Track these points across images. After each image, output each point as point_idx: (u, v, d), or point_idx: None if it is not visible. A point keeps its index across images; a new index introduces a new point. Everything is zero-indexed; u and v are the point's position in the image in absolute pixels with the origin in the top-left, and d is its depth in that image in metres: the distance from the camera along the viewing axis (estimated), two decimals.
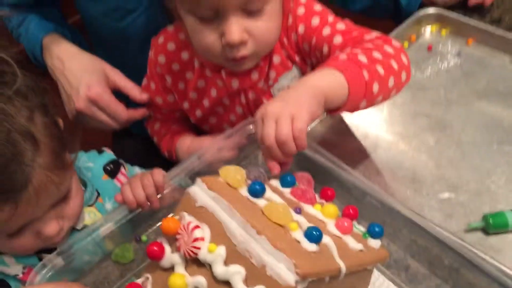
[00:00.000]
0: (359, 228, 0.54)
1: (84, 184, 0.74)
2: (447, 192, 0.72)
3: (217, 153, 0.74)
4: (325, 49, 0.74)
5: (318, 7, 0.77)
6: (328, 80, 0.62)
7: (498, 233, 0.67)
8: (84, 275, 0.70)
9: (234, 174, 0.50)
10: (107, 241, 0.71)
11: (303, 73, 0.80)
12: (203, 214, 0.47)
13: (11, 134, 0.53)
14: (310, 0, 0.77)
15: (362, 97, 0.65)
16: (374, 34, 0.74)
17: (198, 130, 0.94)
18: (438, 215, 0.70)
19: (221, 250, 0.45)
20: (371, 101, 0.68)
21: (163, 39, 0.82)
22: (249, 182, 0.51)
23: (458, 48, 0.93)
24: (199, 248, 0.46)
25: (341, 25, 0.75)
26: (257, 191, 0.49)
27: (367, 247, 0.52)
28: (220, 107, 0.84)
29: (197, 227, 0.46)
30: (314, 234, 0.45)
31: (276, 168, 0.58)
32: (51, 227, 0.62)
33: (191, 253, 0.46)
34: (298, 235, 0.45)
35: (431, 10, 0.97)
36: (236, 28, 0.66)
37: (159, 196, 0.70)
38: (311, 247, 0.45)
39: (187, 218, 0.48)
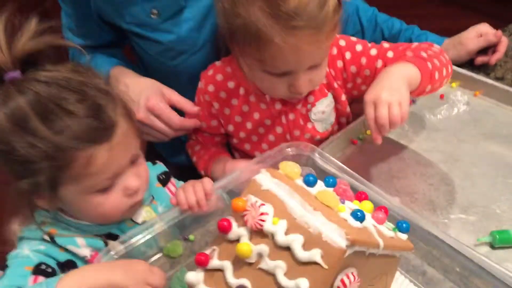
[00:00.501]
0: (390, 224, 0.65)
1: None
2: (458, 213, 0.83)
3: (252, 173, 0.86)
4: (379, 64, 0.91)
5: (354, 38, 0.94)
6: (408, 70, 0.83)
7: (503, 248, 0.77)
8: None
9: (292, 168, 0.61)
10: (161, 237, 0.81)
11: (336, 99, 0.95)
12: (267, 195, 0.58)
13: (96, 92, 0.67)
14: (344, 35, 0.94)
15: (428, 82, 0.86)
16: (416, 43, 0.94)
17: (233, 156, 1.06)
18: (450, 231, 0.80)
19: (283, 222, 0.55)
20: (433, 86, 0.89)
21: (212, 71, 0.95)
22: (302, 177, 0.62)
23: (467, 98, 1.07)
24: (264, 221, 0.56)
25: (386, 45, 0.93)
26: (310, 182, 0.60)
27: (397, 237, 0.62)
28: (262, 128, 0.96)
29: (262, 204, 0.57)
30: (358, 215, 0.56)
31: (379, 139, 0.79)
32: (134, 181, 0.73)
33: (257, 225, 0.56)
34: (345, 215, 0.56)
35: None
36: (304, 82, 0.83)
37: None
38: (356, 224, 0.55)
39: (254, 198, 0.58)
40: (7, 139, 0.65)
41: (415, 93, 0.87)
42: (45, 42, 0.68)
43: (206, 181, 0.82)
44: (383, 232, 0.60)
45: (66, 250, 0.76)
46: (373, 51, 0.92)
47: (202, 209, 0.81)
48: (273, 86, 0.85)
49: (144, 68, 1.08)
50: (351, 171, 0.81)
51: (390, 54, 0.92)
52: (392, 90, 0.79)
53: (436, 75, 0.88)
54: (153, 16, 0.94)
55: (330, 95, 0.96)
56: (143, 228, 0.78)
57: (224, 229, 0.59)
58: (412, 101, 1.05)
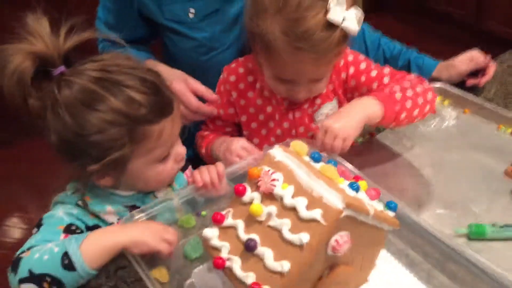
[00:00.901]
0: (380, 204, 0.75)
1: None
2: (441, 209, 0.94)
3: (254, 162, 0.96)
4: (375, 85, 1.03)
5: (361, 57, 1.05)
6: (373, 109, 0.93)
7: (478, 240, 0.87)
8: None
9: (301, 146, 0.72)
10: (177, 210, 0.91)
11: (340, 104, 1.06)
12: (279, 165, 0.69)
13: (149, 73, 0.79)
14: (354, 51, 1.06)
15: (391, 121, 0.96)
16: (412, 75, 1.04)
17: None
18: (432, 223, 0.90)
19: (291, 188, 0.66)
20: (399, 124, 0.99)
21: (235, 65, 1.08)
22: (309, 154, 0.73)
23: (456, 114, 1.18)
24: (275, 186, 0.67)
25: (386, 70, 1.04)
26: (316, 158, 0.71)
27: (386, 213, 0.73)
28: (271, 122, 1.08)
29: (274, 172, 0.68)
30: (354, 186, 0.67)
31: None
32: (184, 149, 0.87)
33: (269, 189, 0.67)
34: (343, 186, 0.67)
35: (437, 84, 1.23)
36: (303, 93, 0.97)
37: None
38: (352, 193, 0.66)
39: (267, 168, 0.69)
40: (84, 123, 0.73)
41: (377, 125, 0.99)
42: (84, 37, 0.77)
43: (219, 164, 0.93)
44: (373, 205, 0.70)
45: (96, 216, 0.85)
46: (373, 73, 1.03)
47: (215, 187, 0.91)
48: (277, 87, 0.99)
49: (173, 62, 1.20)
50: (349, 163, 0.92)
51: (386, 80, 1.03)
52: (345, 125, 0.90)
53: (403, 115, 0.97)
54: (190, 15, 1.07)
55: (335, 100, 1.07)
56: (162, 201, 0.88)
57: (240, 193, 0.70)
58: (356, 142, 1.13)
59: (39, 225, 0.81)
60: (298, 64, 0.91)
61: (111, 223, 0.86)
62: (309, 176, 0.67)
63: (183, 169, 1.00)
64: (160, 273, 0.81)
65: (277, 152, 0.71)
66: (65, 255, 0.71)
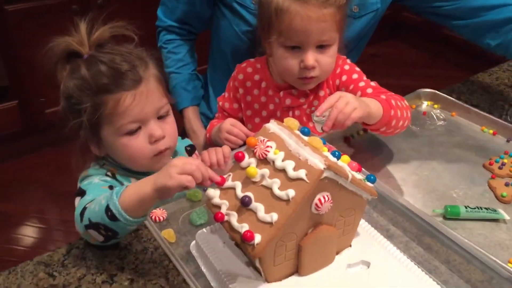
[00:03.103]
0: (361, 175, 0.86)
1: (176, 153, 1.07)
2: (422, 193, 1.04)
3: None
4: (358, 94, 1.11)
5: (357, 68, 1.16)
6: (375, 106, 1.00)
7: (453, 219, 0.98)
8: (167, 202, 1.01)
9: (293, 122, 0.84)
10: None
11: None
12: (272, 136, 0.81)
13: (131, 56, 0.92)
14: (352, 63, 1.17)
15: (384, 125, 1.04)
16: (392, 93, 1.12)
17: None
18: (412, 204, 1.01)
19: (282, 153, 0.78)
20: (387, 130, 1.06)
21: (245, 64, 1.20)
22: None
23: (445, 116, 1.29)
24: (268, 152, 0.79)
25: (373, 83, 1.13)
26: (305, 132, 0.82)
27: (365, 182, 0.83)
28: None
29: (268, 141, 0.80)
30: (336, 153, 0.78)
31: (327, 127, 0.95)
32: (157, 130, 0.93)
33: (263, 154, 0.79)
34: (327, 153, 0.78)
35: (428, 90, 1.35)
36: (312, 57, 1.04)
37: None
38: (334, 160, 0.78)
39: (262, 137, 0.81)
40: (66, 89, 0.91)
41: (371, 127, 1.05)
42: (112, 31, 0.95)
43: (225, 147, 1.05)
44: (354, 174, 0.81)
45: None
46: (361, 83, 1.13)
47: (220, 167, 1.03)
48: (288, 63, 1.06)
49: (217, 50, 1.37)
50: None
51: (369, 90, 1.11)
52: (356, 99, 0.96)
53: (393, 122, 1.05)
54: (254, 1, 1.21)
55: None
56: None
57: (239, 158, 0.82)
58: (351, 137, 1.23)
59: (81, 193, 0.91)
60: (305, 21, 1.00)
61: None
62: (298, 144, 0.78)
63: (190, 154, 1.12)
64: (169, 234, 0.92)
65: (272, 125, 0.83)
66: (108, 208, 0.79)
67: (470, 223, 0.97)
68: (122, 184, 0.97)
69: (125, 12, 2.67)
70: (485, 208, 0.98)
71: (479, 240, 0.94)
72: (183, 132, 1.47)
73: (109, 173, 0.97)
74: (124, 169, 0.99)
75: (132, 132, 0.92)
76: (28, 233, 2.38)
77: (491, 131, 1.23)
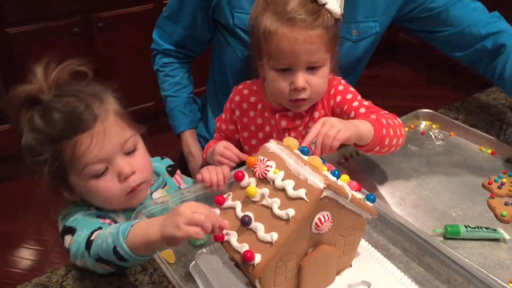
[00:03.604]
0: (360, 194, 0.86)
1: (158, 175, 1.07)
2: (422, 213, 1.04)
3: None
4: (352, 114, 1.12)
5: (352, 89, 1.16)
6: (365, 127, 1.00)
7: (453, 239, 0.97)
8: None
9: (292, 141, 0.84)
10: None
11: None
12: (272, 155, 0.81)
13: (85, 95, 0.88)
14: (347, 84, 1.17)
15: (377, 144, 1.04)
16: (386, 111, 1.12)
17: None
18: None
19: (281, 172, 0.78)
20: (381, 149, 1.06)
21: (242, 86, 1.21)
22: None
23: (443, 136, 1.30)
24: (268, 171, 0.79)
25: (366, 103, 1.13)
26: (304, 151, 0.83)
27: (365, 202, 0.84)
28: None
29: (268, 160, 0.80)
30: (336, 173, 0.79)
31: (318, 153, 0.94)
32: (126, 168, 0.89)
33: (263, 173, 0.79)
34: (326, 173, 0.79)
35: (426, 110, 1.36)
36: (302, 78, 1.05)
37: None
38: (333, 179, 0.78)
39: (262, 157, 0.82)
40: (31, 146, 0.87)
41: (364, 148, 1.05)
42: (68, 70, 0.91)
43: (225, 167, 1.06)
44: (354, 193, 0.82)
45: (105, 216, 0.95)
46: (355, 103, 1.12)
47: (219, 188, 1.03)
48: (279, 85, 1.07)
49: (218, 72, 1.38)
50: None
51: (362, 110, 1.11)
52: (341, 122, 0.96)
53: (387, 141, 1.04)
54: None
55: None
56: (174, 195, 1.01)
57: (239, 178, 0.82)
58: (350, 156, 1.24)
59: (69, 231, 0.88)
60: (293, 44, 1.00)
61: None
62: (297, 163, 0.79)
63: (172, 174, 1.12)
64: (168, 255, 0.92)
65: (271, 145, 0.84)
66: (115, 249, 0.76)
67: (470, 243, 0.97)
68: (106, 214, 0.95)
69: (125, 34, 2.73)
70: (485, 228, 0.98)
71: (480, 259, 0.93)
72: (181, 155, 1.47)
73: (92, 207, 0.95)
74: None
75: (99, 174, 0.89)
76: (26, 255, 2.37)
77: (489, 151, 1.23)
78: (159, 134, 2.80)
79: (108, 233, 0.79)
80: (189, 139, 1.42)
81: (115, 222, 0.95)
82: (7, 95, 0.90)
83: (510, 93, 1.29)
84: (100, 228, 0.85)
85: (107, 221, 0.92)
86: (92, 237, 0.82)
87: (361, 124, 1.01)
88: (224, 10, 1.26)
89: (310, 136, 0.93)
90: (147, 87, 2.86)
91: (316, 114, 1.16)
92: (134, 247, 0.76)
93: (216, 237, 0.79)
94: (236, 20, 1.25)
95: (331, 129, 0.93)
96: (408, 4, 1.28)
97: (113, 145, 0.89)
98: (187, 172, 1.41)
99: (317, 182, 0.75)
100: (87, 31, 2.64)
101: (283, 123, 1.17)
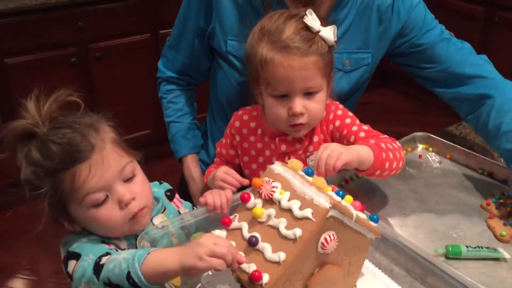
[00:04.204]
0: (364, 215, 0.88)
1: (157, 200, 1.07)
2: (423, 233, 1.06)
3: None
4: (352, 138, 1.14)
5: (350, 113, 1.18)
6: (365, 152, 1.02)
7: (454, 259, 0.99)
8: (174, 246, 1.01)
9: (296, 163, 0.86)
10: (190, 228, 1.04)
11: None
12: (277, 177, 0.83)
13: (80, 125, 0.90)
14: (345, 108, 1.20)
15: (378, 168, 1.06)
16: (385, 135, 1.15)
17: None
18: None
19: (287, 193, 0.80)
20: (382, 173, 1.08)
21: (242, 112, 1.23)
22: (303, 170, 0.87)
23: (440, 159, 1.33)
24: (274, 192, 0.81)
25: (365, 127, 1.16)
26: (309, 173, 0.85)
27: (369, 222, 0.85)
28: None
29: (273, 181, 0.82)
30: (340, 193, 0.80)
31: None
32: (126, 195, 0.89)
33: (269, 195, 0.81)
34: (331, 193, 0.80)
35: (423, 133, 1.38)
36: (299, 104, 1.07)
37: None
38: (338, 199, 0.80)
39: (267, 178, 0.83)
40: (30, 180, 0.88)
41: (365, 173, 1.06)
42: (59, 101, 0.92)
43: (228, 191, 1.07)
44: (358, 214, 0.83)
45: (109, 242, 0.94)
46: (354, 128, 1.15)
47: (223, 211, 1.04)
48: (277, 111, 1.09)
49: (214, 98, 1.41)
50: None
51: (361, 134, 1.12)
52: (342, 146, 0.98)
53: (387, 164, 1.05)
54: None
55: None
56: (175, 220, 1.02)
57: (245, 200, 0.84)
58: (350, 179, 1.26)
59: (74, 256, 0.87)
60: (288, 71, 1.03)
61: (124, 249, 0.95)
62: (303, 184, 0.80)
63: (170, 199, 1.12)
64: (175, 278, 0.92)
65: (276, 167, 0.86)
66: (129, 274, 0.77)
67: (472, 263, 0.99)
68: (110, 240, 0.95)
69: (122, 63, 2.77)
70: (486, 248, 0.99)
71: (481, 278, 0.95)
72: (181, 179, 1.48)
73: (94, 234, 0.94)
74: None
75: (99, 204, 0.89)
76: (20, 285, 2.34)
77: (485, 173, 1.26)
78: (155, 161, 2.82)
79: (122, 259, 0.79)
80: (190, 164, 1.44)
81: (119, 247, 0.95)
82: (4, 129, 0.90)
83: (492, 144, 1.25)
84: (108, 253, 0.85)
85: (112, 246, 0.92)
86: (102, 262, 0.82)
87: (361, 149, 1.03)
88: (218, 37, 1.30)
89: (315, 162, 0.95)
90: (144, 115, 2.90)
91: (316, 138, 1.18)
92: (149, 275, 0.77)
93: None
94: (229, 47, 1.29)
95: (333, 152, 0.95)
96: (399, 38, 1.30)
97: (111, 173, 0.89)
98: (187, 196, 1.41)
99: (323, 202, 0.76)
100: (85, 60, 2.68)
101: (283, 147, 1.19)
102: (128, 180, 0.92)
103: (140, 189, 0.94)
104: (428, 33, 1.28)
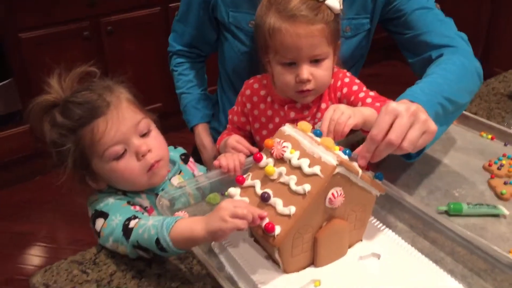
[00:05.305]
0: (370, 173, 0.93)
1: (173, 162, 1.14)
2: (427, 193, 1.11)
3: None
4: (359, 105, 1.18)
5: (357, 80, 1.23)
6: (370, 113, 1.05)
7: (456, 215, 1.04)
8: (190, 206, 1.08)
9: (306, 125, 0.91)
10: (205, 190, 1.10)
11: None
12: (288, 137, 0.89)
13: (95, 86, 0.99)
14: (352, 76, 1.24)
15: None
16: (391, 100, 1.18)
17: None
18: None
19: (297, 152, 0.85)
20: None
21: (252, 81, 1.28)
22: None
23: None
24: (285, 151, 0.86)
25: (372, 93, 1.20)
26: (317, 134, 0.90)
27: (374, 180, 0.90)
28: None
29: (284, 141, 0.87)
30: (347, 152, 0.86)
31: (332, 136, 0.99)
32: (142, 146, 0.97)
33: (280, 154, 0.86)
34: (339, 152, 0.86)
35: None
36: (306, 71, 1.12)
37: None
38: (345, 157, 0.85)
39: (278, 139, 0.89)
40: (55, 140, 0.96)
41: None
42: (80, 73, 1.01)
43: (241, 155, 1.13)
44: (364, 172, 0.88)
45: (133, 203, 1.02)
46: (361, 94, 1.19)
47: (236, 173, 1.10)
48: (285, 78, 1.14)
49: (222, 66, 1.47)
50: None
51: (368, 100, 1.17)
52: (350, 108, 1.01)
53: None
54: (250, 25, 1.30)
55: None
56: (190, 181, 1.08)
57: (257, 159, 0.89)
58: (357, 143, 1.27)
59: (101, 215, 0.95)
60: (295, 38, 1.08)
61: (146, 207, 1.04)
62: (311, 143, 0.86)
63: (185, 161, 1.20)
64: None
65: (287, 128, 0.91)
66: (158, 240, 0.84)
67: (472, 219, 1.04)
68: (133, 199, 1.02)
69: (133, 37, 2.81)
70: (486, 205, 1.05)
71: (481, 233, 1.00)
72: (194, 148, 1.54)
73: (119, 192, 1.02)
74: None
75: (119, 156, 0.96)
76: (38, 252, 2.45)
77: (489, 136, 1.30)
78: (167, 134, 2.88)
79: (151, 225, 0.86)
80: (202, 132, 1.50)
81: (142, 207, 1.03)
82: (30, 104, 0.98)
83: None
84: (135, 216, 0.92)
85: (137, 208, 0.99)
86: (131, 226, 0.89)
87: (366, 110, 1.07)
88: (220, 9, 1.34)
89: (325, 122, 0.99)
90: (155, 88, 2.96)
91: (323, 105, 1.23)
92: (176, 241, 0.84)
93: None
94: (231, 18, 1.33)
95: (341, 115, 0.99)
96: (389, 4, 1.31)
97: (127, 126, 0.97)
98: (200, 164, 1.48)
99: (331, 159, 0.82)
100: (96, 35, 2.72)
101: (292, 114, 1.24)
102: (144, 135, 1.00)
103: (156, 143, 1.02)
104: (412, 0, 1.28)
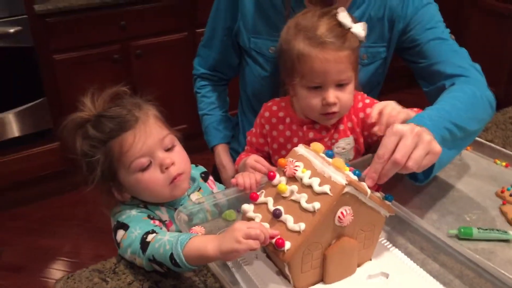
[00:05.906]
0: (380, 194, 0.96)
1: (193, 180, 1.19)
2: (438, 217, 1.13)
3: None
4: None
5: (376, 101, 1.27)
6: (412, 114, 1.11)
7: (466, 240, 1.06)
8: (208, 222, 1.12)
9: (318, 146, 0.96)
10: (222, 207, 1.15)
11: (356, 140, 1.28)
12: (300, 157, 0.93)
13: (125, 103, 1.06)
14: (371, 97, 1.29)
15: None
16: None
17: None
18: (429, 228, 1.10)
19: (308, 172, 0.89)
20: None
21: (271, 103, 1.33)
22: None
23: None
24: (297, 170, 0.90)
25: None
26: (329, 155, 0.94)
27: (383, 200, 0.94)
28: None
29: (296, 161, 0.92)
30: (357, 172, 0.89)
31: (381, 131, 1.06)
32: (166, 159, 1.02)
33: (293, 173, 0.90)
34: (348, 172, 0.89)
35: None
36: (332, 94, 1.17)
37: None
38: (354, 178, 0.88)
39: (291, 158, 0.93)
40: (86, 152, 1.03)
41: None
42: (111, 93, 1.09)
43: (258, 174, 1.17)
44: (373, 193, 0.92)
45: (153, 216, 1.07)
46: None
47: (252, 191, 1.14)
48: (311, 102, 1.19)
49: (243, 91, 1.54)
50: None
51: None
52: (398, 105, 1.10)
53: None
54: (270, 51, 1.37)
55: (351, 137, 1.29)
56: (208, 198, 1.13)
57: (271, 177, 0.94)
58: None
59: (122, 226, 1.00)
60: (324, 64, 1.13)
61: (165, 221, 1.09)
62: (323, 163, 0.90)
63: (205, 180, 1.24)
64: None
65: (300, 149, 0.95)
66: (172, 256, 0.88)
67: (482, 244, 1.05)
68: (154, 213, 1.07)
69: (160, 61, 2.91)
70: (496, 230, 1.06)
71: (490, 257, 1.02)
72: (214, 168, 1.60)
73: (141, 205, 1.08)
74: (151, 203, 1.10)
75: (144, 168, 1.02)
76: (62, 267, 2.52)
77: (503, 163, 1.32)
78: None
79: (167, 240, 0.90)
80: (221, 152, 1.55)
81: (162, 220, 1.08)
82: (64, 121, 1.06)
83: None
84: (153, 231, 0.97)
85: (156, 222, 1.04)
86: (148, 239, 0.94)
87: (408, 110, 1.13)
88: (243, 35, 1.42)
89: (374, 112, 1.06)
90: (180, 110, 3.03)
91: (341, 127, 1.27)
92: (190, 257, 0.87)
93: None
94: (252, 44, 1.41)
95: (392, 110, 1.06)
96: (404, 34, 1.35)
97: (153, 140, 1.03)
98: (219, 183, 1.53)
99: (340, 179, 0.86)
100: (126, 57, 2.83)
101: (311, 135, 1.28)
102: (168, 150, 1.06)
103: (179, 157, 1.08)
104: (428, 31, 1.33)
